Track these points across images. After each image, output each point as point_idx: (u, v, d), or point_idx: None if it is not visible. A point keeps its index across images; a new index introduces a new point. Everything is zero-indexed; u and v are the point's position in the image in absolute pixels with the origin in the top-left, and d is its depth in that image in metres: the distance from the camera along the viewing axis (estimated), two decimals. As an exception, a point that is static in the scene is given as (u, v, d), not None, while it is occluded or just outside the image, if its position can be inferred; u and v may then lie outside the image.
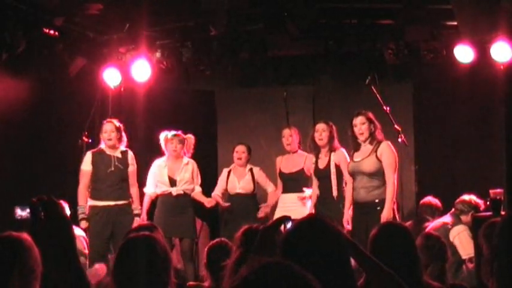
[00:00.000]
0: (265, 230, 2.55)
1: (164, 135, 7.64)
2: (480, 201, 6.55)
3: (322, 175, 7.19)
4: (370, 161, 6.61)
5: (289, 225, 2.55)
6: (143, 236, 3.22)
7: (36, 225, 2.01)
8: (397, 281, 2.59)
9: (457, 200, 6.55)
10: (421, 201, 7.45)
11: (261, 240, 2.53)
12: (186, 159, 7.66)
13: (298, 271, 1.58)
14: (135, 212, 7.25)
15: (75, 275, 2.03)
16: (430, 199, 7.36)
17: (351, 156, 6.83)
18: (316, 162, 7.27)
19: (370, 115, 6.71)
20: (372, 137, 6.67)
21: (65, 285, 2.01)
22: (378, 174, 6.56)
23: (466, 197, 6.55)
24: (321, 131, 7.20)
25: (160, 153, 7.75)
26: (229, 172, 7.93)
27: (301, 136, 7.78)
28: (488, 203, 6.98)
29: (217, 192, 7.92)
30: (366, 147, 6.70)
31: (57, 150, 7.85)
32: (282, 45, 8.40)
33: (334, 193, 7.07)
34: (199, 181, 7.71)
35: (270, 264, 1.60)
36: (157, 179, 7.59)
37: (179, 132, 7.63)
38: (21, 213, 2.05)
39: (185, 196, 7.58)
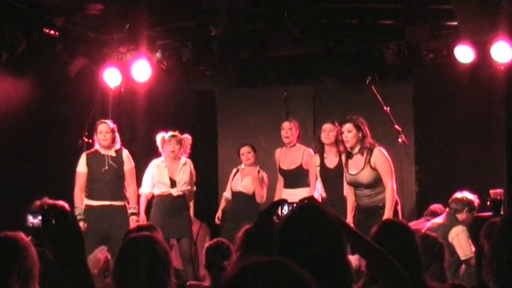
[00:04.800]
0: (263, 213, 2.56)
1: (161, 136, 7.59)
2: (473, 197, 6.50)
3: (332, 174, 7.10)
4: (366, 173, 6.59)
5: (285, 208, 2.56)
6: (143, 236, 3.24)
7: (48, 232, 2.05)
8: (395, 266, 2.58)
9: (450, 199, 6.50)
10: (431, 207, 7.30)
11: (259, 223, 2.54)
12: (183, 159, 7.62)
13: (297, 270, 1.58)
14: (131, 211, 7.20)
15: (84, 281, 2.05)
16: (439, 207, 7.18)
17: (345, 166, 6.76)
18: (323, 162, 7.19)
19: (360, 122, 6.64)
20: (360, 145, 6.62)
21: None
22: (377, 182, 6.57)
23: (458, 194, 6.49)
24: (328, 131, 7.14)
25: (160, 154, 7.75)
26: (236, 171, 7.97)
27: (301, 132, 7.79)
28: (488, 202, 6.98)
29: (227, 194, 8.02)
30: (358, 158, 6.65)
31: (57, 150, 7.84)
32: (282, 45, 8.38)
33: (345, 192, 6.99)
34: (194, 180, 7.70)
35: (268, 263, 1.58)
36: (157, 180, 7.54)
37: (176, 133, 7.61)
38: (33, 220, 2.09)
39: (183, 197, 7.56)
